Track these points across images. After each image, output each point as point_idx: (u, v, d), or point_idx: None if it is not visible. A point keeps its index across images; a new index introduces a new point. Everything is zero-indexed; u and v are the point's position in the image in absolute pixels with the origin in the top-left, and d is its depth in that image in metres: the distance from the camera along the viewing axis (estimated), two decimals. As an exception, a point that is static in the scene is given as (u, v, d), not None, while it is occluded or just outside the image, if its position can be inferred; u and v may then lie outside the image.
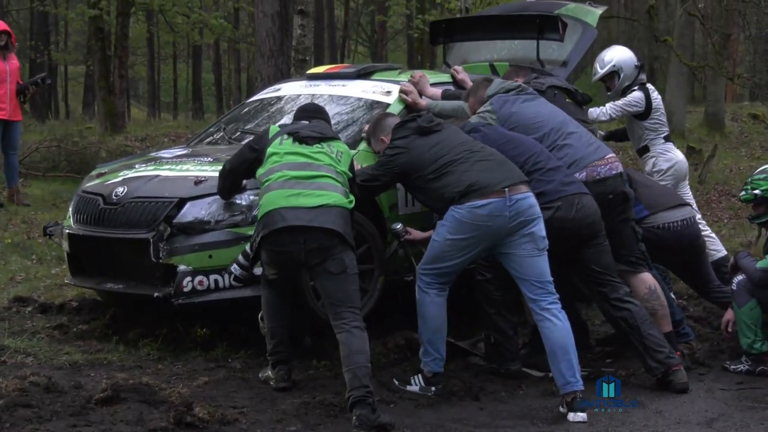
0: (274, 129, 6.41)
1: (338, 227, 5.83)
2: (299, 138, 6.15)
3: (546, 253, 6.32)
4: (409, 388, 6.45)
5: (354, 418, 5.46)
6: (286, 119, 8.33)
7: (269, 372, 6.32)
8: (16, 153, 12.77)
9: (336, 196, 5.95)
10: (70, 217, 7.60)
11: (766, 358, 6.98)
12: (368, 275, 7.08)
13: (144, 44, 42.46)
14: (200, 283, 6.73)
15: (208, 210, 6.85)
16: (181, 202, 6.88)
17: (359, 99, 8.20)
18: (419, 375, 6.47)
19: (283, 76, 12.25)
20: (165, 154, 8.18)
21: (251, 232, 6.63)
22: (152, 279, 6.89)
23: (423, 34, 27.79)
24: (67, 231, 7.54)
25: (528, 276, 6.28)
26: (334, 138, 6.39)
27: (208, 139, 8.68)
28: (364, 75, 8.53)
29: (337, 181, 6.06)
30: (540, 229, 6.28)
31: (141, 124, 31.36)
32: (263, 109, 8.75)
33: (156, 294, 6.83)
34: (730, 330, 7.21)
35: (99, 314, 7.76)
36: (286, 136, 6.19)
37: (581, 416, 5.96)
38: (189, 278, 6.73)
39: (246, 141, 6.68)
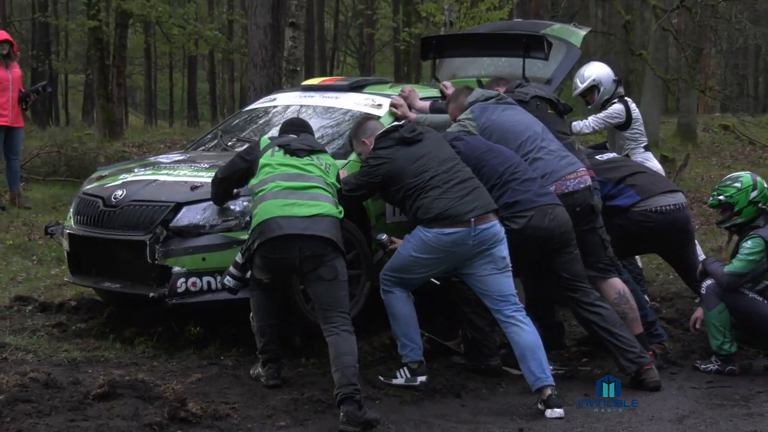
0: (264, 141, 6.38)
1: (332, 235, 5.85)
2: (290, 150, 6.16)
3: (507, 271, 6.38)
4: (394, 381, 6.48)
5: (341, 414, 5.46)
6: (276, 128, 8.34)
7: (260, 369, 6.29)
8: (17, 158, 12.75)
9: (328, 206, 5.96)
10: (70, 218, 7.61)
11: (734, 358, 7.02)
12: (356, 280, 7.10)
13: (141, 54, 42.32)
14: (193, 284, 6.74)
15: (203, 215, 6.87)
16: (178, 207, 6.89)
17: (351, 111, 8.19)
18: (404, 368, 6.49)
19: (275, 86, 12.23)
20: (163, 159, 8.20)
21: (244, 236, 6.64)
22: (148, 279, 6.89)
23: (409, 46, 27.77)
24: (68, 231, 7.56)
25: (490, 292, 6.37)
26: (322, 151, 6.40)
27: (205, 146, 8.69)
28: (356, 88, 8.54)
29: (327, 191, 6.08)
30: (500, 250, 6.36)
31: (138, 130, 31.30)
32: (259, 118, 8.76)
33: (151, 294, 6.83)
34: (698, 327, 7.28)
35: (97, 313, 7.75)
36: (277, 148, 6.19)
37: (558, 412, 5.97)
38: (183, 279, 6.73)
39: (237, 151, 6.65)
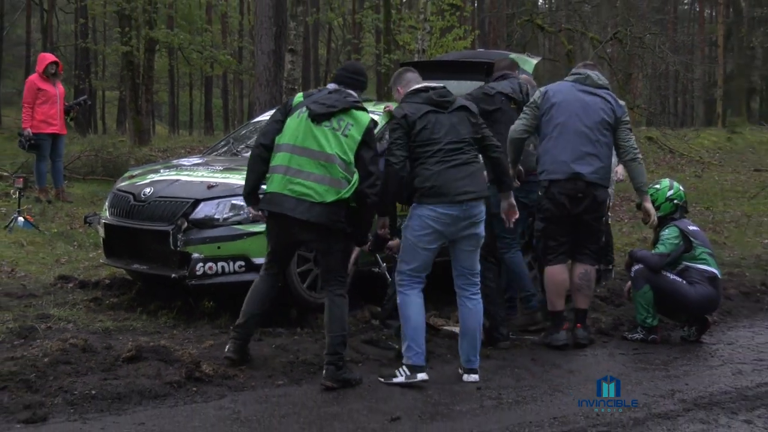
0: (298, 98, 5.74)
1: (321, 220, 5.40)
2: (312, 115, 5.51)
3: (478, 249, 6.09)
4: (395, 380, 5.78)
5: (324, 371, 5.48)
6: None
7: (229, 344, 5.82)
8: (61, 160, 12.77)
9: (322, 189, 5.37)
10: (106, 210, 7.61)
11: (656, 330, 7.09)
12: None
13: (166, 75, 42.24)
14: (210, 268, 6.78)
15: (217, 209, 6.91)
16: (196, 202, 6.93)
17: None
18: (403, 367, 5.84)
19: (277, 102, 12.25)
20: (184, 162, 8.23)
21: (252, 229, 6.70)
22: (170, 263, 6.91)
23: (389, 69, 27.76)
24: (103, 221, 7.57)
25: (465, 267, 6.02)
26: (346, 108, 5.57)
27: (219, 152, 8.73)
28: None
29: (331, 167, 5.42)
30: (482, 230, 5.99)
31: (163, 138, 31.44)
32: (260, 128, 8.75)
33: (173, 275, 6.84)
34: (629, 295, 7.41)
35: (127, 290, 7.74)
36: (304, 109, 5.57)
37: (474, 377, 5.91)
38: (201, 264, 6.77)
39: (272, 113, 6.00)
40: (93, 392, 5.12)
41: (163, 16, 28.78)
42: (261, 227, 6.64)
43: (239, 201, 6.77)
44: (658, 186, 7.33)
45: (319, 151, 5.47)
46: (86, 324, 6.81)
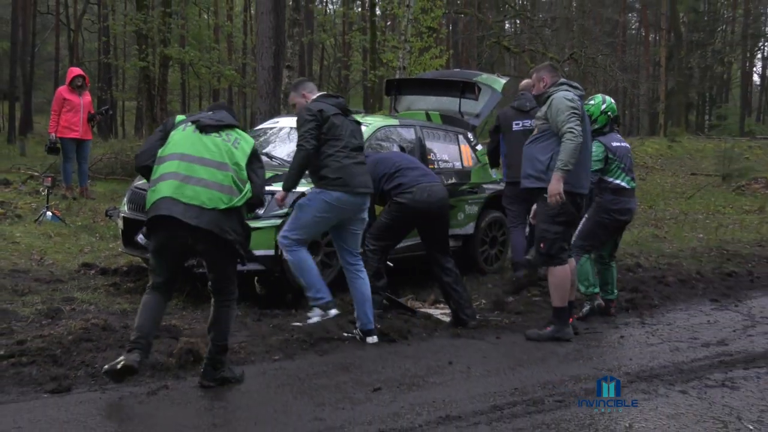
0: (180, 118, 5.04)
1: (213, 227, 4.62)
2: (200, 126, 4.84)
3: (362, 230, 6.40)
4: (311, 321, 6.14)
5: (202, 371, 4.92)
6: (278, 143, 8.32)
7: (123, 354, 4.73)
8: (86, 162, 12.78)
9: (215, 195, 4.66)
10: (124, 205, 7.60)
11: (597, 296, 7.24)
12: (333, 255, 7.11)
13: (178, 87, 42.19)
14: None
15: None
16: None
17: None
18: (315, 309, 6.17)
19: (276, 112, 12.25)
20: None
21: (252, 224, 6.62)
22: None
23: (375, 84, 27.87)
24: (122, 215, 7.54)
25: (350, 247, 6.28)
26: (233, 125, 4.97)
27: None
28: None
29: (225, 174, 4.74)
30: (365, 215, 6.35)
31: (175, 143, 31.27)
32: (265, 135, 8.73)
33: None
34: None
35: (142, 276, 7.72)
36: (189, 124, 4.90)
37: (375, 338, 6.07)
38: None
39: (156, 130, 5.18)
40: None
41: (176, 36, 28.77)
42: (260, 223, 6.67)
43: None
44: (592, 102, 7.17)
45: (210, 159, 4.75)
46: (106, 306, 6.81)
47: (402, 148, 8.11)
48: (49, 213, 10.49)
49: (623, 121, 55.35)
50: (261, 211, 6.65)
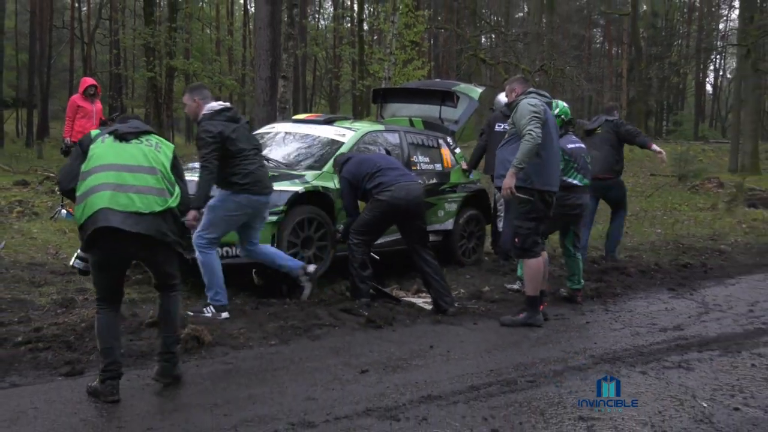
0: (95, 132, 4.56)
1: (152, 231, 4.30)
2: (119, 135, 4.45)
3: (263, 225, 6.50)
4: (204, 315, 6.04)
5: (157, 368, 4.60)
6: (274, 146, 8.29)
7: (98, 385, 4.33)
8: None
9: (150, 199, 4.31)
10: None
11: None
12: (324, 249, 7.09)
13: (183, 95, 42.08)
14: None
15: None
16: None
17: (324, 136, 8.15)
18: (209, 306, 6.10)
19: (272, 119, 12.21)
20: (197, 165, 8.07)
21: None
22: (183, 248, 6.77)
23: (363, 93, 27.83)
24: None
25: (251, 238, 6.43)
26: (149, 131, 4.62)
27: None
28: (328, 121, 8.52)
29: (155, 177, 4.41)
30: (267, 213, 6.49)
31: (180, 146, 31.11)
32: (262, 139, 8.67)
33: (187, 257, 6.74)
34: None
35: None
36: (107, 135, 4.47)
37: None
38: None
39: (73, 151, 4.70)
40: (121, 351, 5.06)
41: (181, 48, 28.74)
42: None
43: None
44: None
45: (138, 165, 4.37)
46: (116, 296, 6.75)
47: (387, 152, 8.12)
48: (63, 211, 10.41)
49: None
50: None
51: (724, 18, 56.32)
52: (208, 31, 39.83)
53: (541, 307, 6.58)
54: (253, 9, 33.25)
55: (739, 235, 12.70)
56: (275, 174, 7.18)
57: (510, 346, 5.82)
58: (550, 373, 5.11)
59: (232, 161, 6.10)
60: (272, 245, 6.67)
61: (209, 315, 6.07)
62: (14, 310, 5.97)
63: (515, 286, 7.14)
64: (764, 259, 10.43)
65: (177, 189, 4.51)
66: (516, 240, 6.46)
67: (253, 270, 6.83)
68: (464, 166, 9.31)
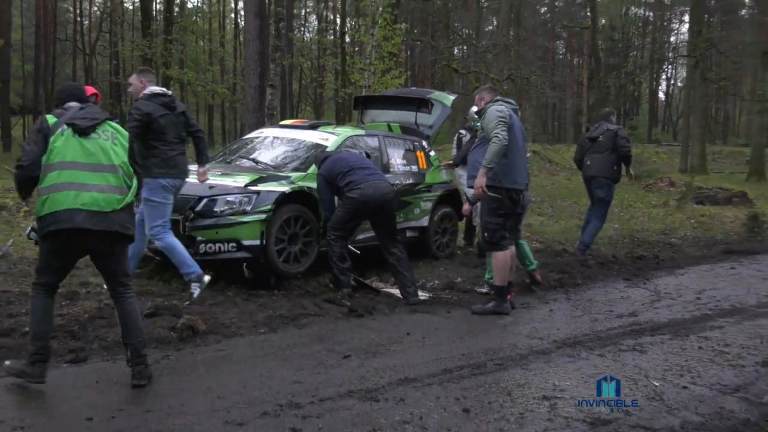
0: (51, 119, 4.21)
1: (115, 227, 4.17)
2: (78, 130, 4.18)
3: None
4: (195, 294, 6.13)
5: (134, 374, 4.32)
6: (263, 150, 8.26)
7: (26, 367, 4.15)
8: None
9: (110, 197, 4.17)
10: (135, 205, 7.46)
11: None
12: (309, 244, 7.09)
13: (179, 103, 41.82)
14: (209, 248, 6.65)
15: (215, 204, 6.75)
16: (200, 199, 6.78)
17: (308, 141, 8.14)
18: (193, 285, 6.15)
19: (261, 125, 12.17)
20: (192, 167, 8.03)
21: (242, 219, 6.60)
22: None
23: (345, 100, 27.76)
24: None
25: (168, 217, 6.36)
26: (106, 119, 4.36)
27: (217, 161, 8.56)
28: (313, 127, 8.53)
29: (114, 173, 4.22)
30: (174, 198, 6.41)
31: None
32: (251, 143, 8.68)
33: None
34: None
35: (148, 263, 7.58)
36: (65, 127, 4.17)
37: (207, 278, 6.19)
38: (203, 245, 6.64)
39: (31, 136, 4.27)
40: (122, 340, 5.04)
41: (176, 59, 28.52)
42: (248, 218, 6.63)
43: (233, 198, 6.73)
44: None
45: (99, 164, 4.18)
46: (117, 289, 6.71)
47: (368, 154, 8.12)
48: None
49: (551, 130, 55.82)
50: (249, 208, 6.65)
51: (675, 32, 56.88)
52: (202, 43, 39.58)
53: (509, 296, 6.62)
54: (243, 23, 33.11)
55: (688, 230, 12.83)
56: (264, 175, 7.17)
57: (480, 332, 5.85)
58: (516, 356, 5.14)
59: (154, 144, 6.15)
60: (261, 242, 6.67)
61: (198, 291, 6.13)
62: (22, 303, 5.91)
63: (484, 290, 7.17)
64: (711, 252, 10.56)
65: (134, 182, 4.34)
66: (485, 234, 6.49)
67: (244, 264, 6.82)
68: (444, 163, 9.40)
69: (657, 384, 4.61)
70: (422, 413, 3.97)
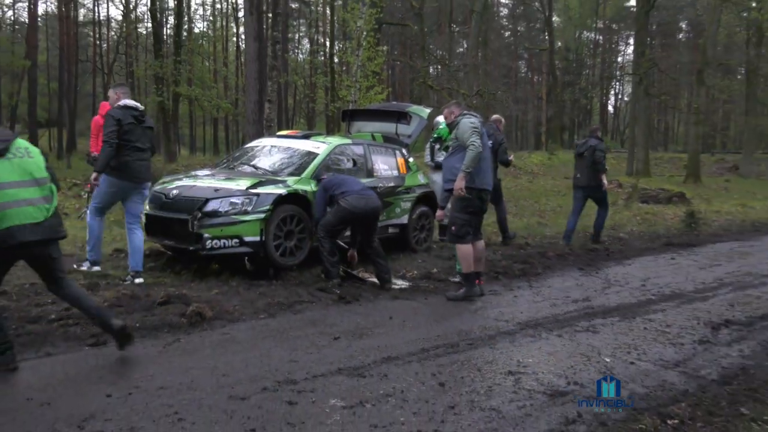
0: None
1: (51, 234, 4.13)
2: None
3: (143, 202, 6.70)
4: (89, 269, 6.57)
5: (118, 342, 4.40)
6: (262, 157, 8.22)
7: None
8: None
9: (41, 208, 4.07)
10: (146, 205, 7.39)
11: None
12: (304, 240, 7.06)
13: (187, 116, 41.53)
14: (215, 244, 6.60)
15: (220, 205, 6.69)
16: (206, 200, 6.71)
17: (302, 149, 8.10)
18: (87, 262, 6.65)
19: (260, 135, 12.11)
20: (199, 173, 8.01)
21: (243, 218, 6.55)
22: (189, 240, 6.71)
23: (334, 114, 27.65)
24: (145, 212, 7.33)
25: (134, 212, 6.58)
26: (15, 137, 4.12)
27: (221, 167, 8.52)
28: (306, 137, 8.48)
29: (36, 186, 4.08)
30: (146, 192, 6.67)
31: (186, 158, 30.75)
32: (252, 151, 8.62)
33: (191, 248, 6.69)
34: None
35: (161, 257, 7.56)
36: None
37: (140, 279, 6.33)
38: (209, 241, 6.58)
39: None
40: (137, 325, 5.01)
41: (184, 78, 28.31)
42: (249, 217, 6.59)
43: (236, 199, 6.69)
44: (441, 126, 7.22)
45: (23, 180, 4.01)
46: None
47: (354, 162, 8.12)
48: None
49: (515, 139, 55.99)
50: (250, 208, 6.61)
51: (622, 53, 57.20)
52: (207, 63, 39.31)
53: (480, 282, 6.63)
54: (243, 45, 32.95)
55: (635, 226, 12.90)
56: (263, 180, 7.13)
57: (454, 316, 5.85)
58: (485, 337, 5.15)
59: (120, 149, 6.27)
60: (261, 238, 6.64)
61: (86, 268, 6.60)
62: (48, 294, 5.85)
63: (456, 279, 7.16)
64: (654, 244, 10.62)
65: (53, 187, 4.20)
66: (453, 228, 6.51)
67: (246, 257, 6.78)
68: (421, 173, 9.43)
69: (608, 360, 4.64)
70: (403, 387, 3.96)
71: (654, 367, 4.54)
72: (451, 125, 6.64)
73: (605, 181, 10.02)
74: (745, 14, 31.01)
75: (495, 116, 10.11)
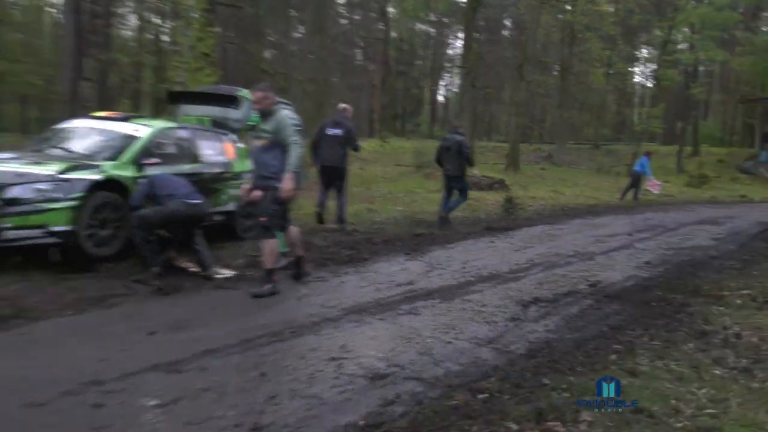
0: None
1: None
2: None
3: None
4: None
5: None
6: (77, 140, 7.62)
7: None
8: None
9: None
10: None
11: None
12: (120, 229, 6.66)
13: None
14: (17, 234, 6.01)
15: (24, 192, 6.10)
16: (7, 186, 6.09)
17: (121, 132, 7.59)
18: None
19: (75, 116, 11.22)
20: (2, 155, 7.18)
21: (48, 205, 6.05)
22: None
23: (162, 95, 26.33)
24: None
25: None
26: None
27: (30, 149, 7.77)
28: (125, 119, 7.99)
29: None
30: None
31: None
32: (64, 133, 7.96)
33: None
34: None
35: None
36: None
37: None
38: (10, 231, 5.99)
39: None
40: None
41: None
42: (58, 204, 6.09)
43: (41, 186, 6.14)
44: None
45: None
46: None
47: (179, 146, 7.77)
48: None
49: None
50: (58, 195, 6.13)
51: (452, 46, 59.78)
52: (19, 35, 35.81)
53: (308, 267, 6.68)
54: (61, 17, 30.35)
55: (459, 211, 13.53)
56: (76, 164, 6.61)
57: (279, 304, 5.78)
58: (310, 324, 5.13)
59: None
60: (71, 227, 6.15)
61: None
62: None
63: (283, 262, 7.06)
64: (475, 229, 11.17)
65: None
66: (265, 220, 6.24)
67: (49, 248, 6.25)
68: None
69: (429, 340, 4.80)
70: (222, 380, 3.85)
71: (469, 345, 4.77)
72: (265, 112, 6.26)
73: (475, 170, 11.20)
74: (560, 16, 33.46)
75: (342, 105, 10.42)
